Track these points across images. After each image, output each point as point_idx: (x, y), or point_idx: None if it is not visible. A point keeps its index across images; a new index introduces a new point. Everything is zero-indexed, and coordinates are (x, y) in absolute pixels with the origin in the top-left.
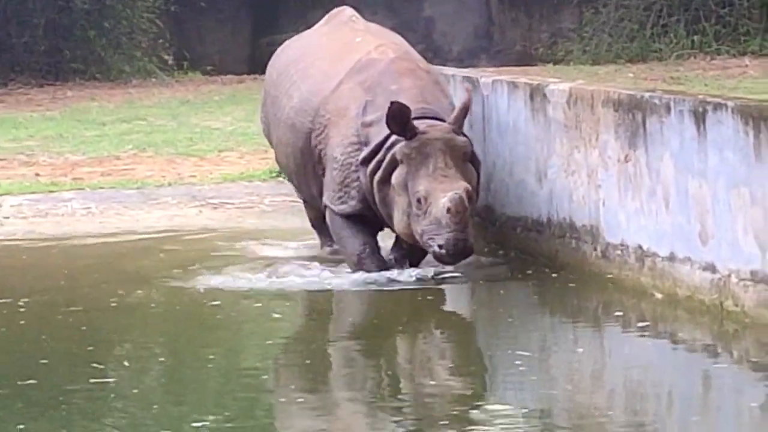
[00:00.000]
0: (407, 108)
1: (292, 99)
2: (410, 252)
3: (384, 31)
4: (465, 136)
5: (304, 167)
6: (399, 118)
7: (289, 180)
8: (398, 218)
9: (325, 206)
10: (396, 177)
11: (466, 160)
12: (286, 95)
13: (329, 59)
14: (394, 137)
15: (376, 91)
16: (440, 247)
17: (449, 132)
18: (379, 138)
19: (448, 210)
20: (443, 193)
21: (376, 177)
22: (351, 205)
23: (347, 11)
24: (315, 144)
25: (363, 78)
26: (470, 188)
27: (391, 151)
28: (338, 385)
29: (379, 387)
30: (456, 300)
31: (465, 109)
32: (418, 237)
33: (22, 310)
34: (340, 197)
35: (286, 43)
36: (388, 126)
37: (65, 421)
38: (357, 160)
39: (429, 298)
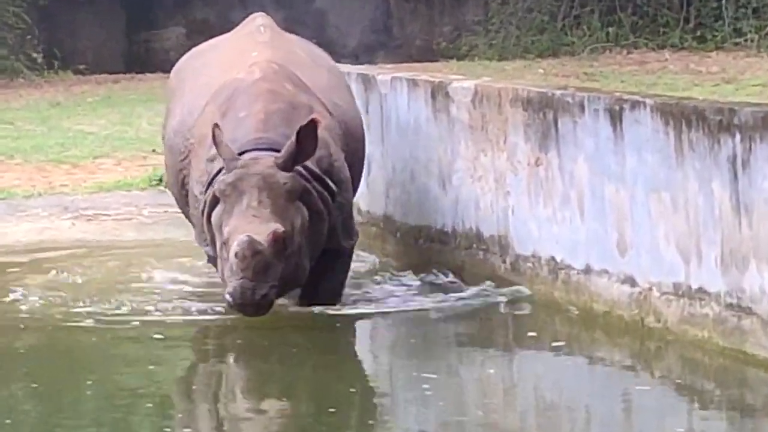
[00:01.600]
0: (219, 130)
1: (175, 117)
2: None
3: (291, 44)
4: (306, 168)
5: (181, 195)
6: (216, 143)
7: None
8: (218, 263)
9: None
10: (214, 215)
11: (291, 199)
12: (172, 113)
13: (216, 75)
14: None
15: (228, 117)
16: (228, 295)
17: (270, 167)
18: (214, 172)
19: (236, 255)
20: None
21: (204, 216)
22: (213, 248)
23: (258, 20)
24: (180, 169)
25: (222, 101)
26: (280, 230)
27: (212, 188)
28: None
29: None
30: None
31: (293, 143)
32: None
33: None
34: (204, 238)
35: (194, 49)
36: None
37: None
38: None
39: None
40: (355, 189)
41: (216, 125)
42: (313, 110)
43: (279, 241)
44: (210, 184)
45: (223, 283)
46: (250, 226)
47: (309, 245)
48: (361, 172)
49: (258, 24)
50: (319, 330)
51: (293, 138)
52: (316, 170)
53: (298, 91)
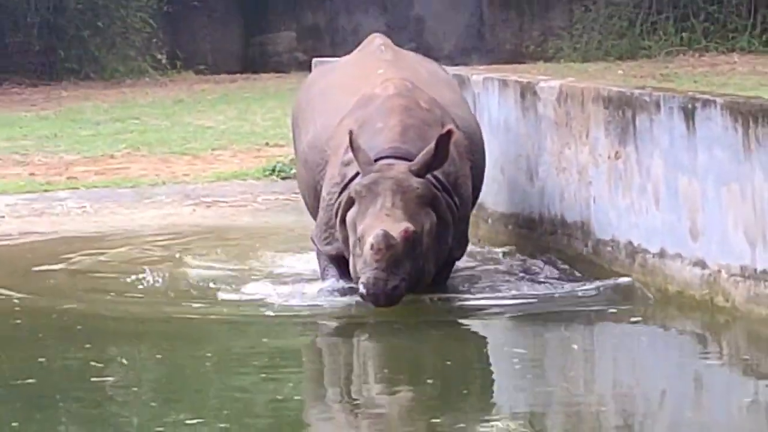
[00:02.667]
0: (355, 137)
1: (308, 134)
2: None
3: (412, 62)
4: (436, 179)
5: (314, 207)
6: (354, 149)
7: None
8: (350, 260)
9: (314, 242)
10: (349, 216)
11: (421, 203)
12: (304, 129)
13: (345, 92)
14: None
15: (364, 128)
16: (362, 285)
17: (404, 172)
18: (349, 176)
19: (371, 247)
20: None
21: (338, 216)
22: (335, 247)
23: (377, 40)
24: (318, 180)
25: (359, 114)
26: (411, 229)
27: (348, 190)
28: None
29: None
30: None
31: (430, 152)
32: (354, 279)
33: (17, 308)
34: (325, 237)
35: (319, 67)
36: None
37: (63, 418)
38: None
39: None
40: (475, 200)
41: (352, 131)
42: (445, 125)
43: (410, 239)
44: (345, 187)
45: (354, 279)
46: (384, 224)
47: (434, 250)
48: (481, 183)
49: (378, 44)
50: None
51: (431, 146)
52: (445, 182)
53: (431, 107)
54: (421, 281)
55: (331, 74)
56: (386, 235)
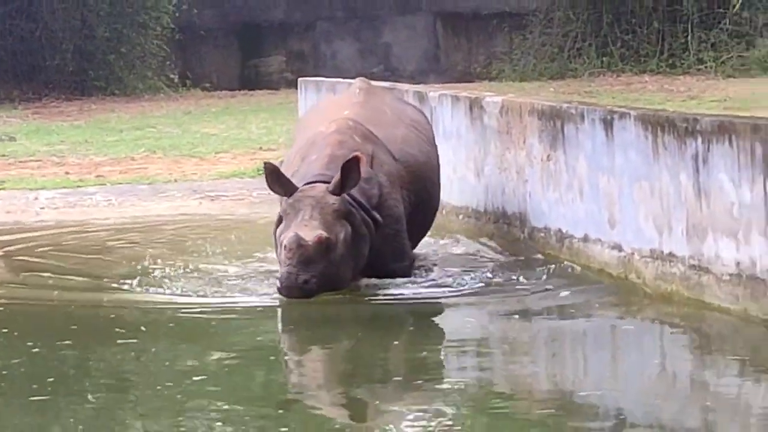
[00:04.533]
0: (275, 168)
1: (287, 161)
2: None
3: (380, 104)
4: (354, 199)
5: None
6: (270, 178)
7: None
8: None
9: None
10: (278, 231)
11: (337, 216)
12: (287, 157)
13: (314, 127)
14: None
15: (305, 159)
16: (278, 280)
17: (323, 191)
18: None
19: (284, 247)
20: None
21: (274, 235)
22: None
23: (357, 83)
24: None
25: (306, 148)
26: (324, 236)
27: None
28: None
29: None
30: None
31: (343, 175)
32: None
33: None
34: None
35: (313, 106)
36: (268, 186)
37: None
38: None
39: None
40: (429, 222)
41: (270, 165)
42: (375, 157)
43: (323, 243)
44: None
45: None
46: (300, 230)
47: (351, 257)
48: (432, 207)
49: (356, 87)
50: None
51: (345, 169)
52: (365, 203)
53: (364, 142)
54: (339, 282)
55: (315, 109)
56: (297, 237)
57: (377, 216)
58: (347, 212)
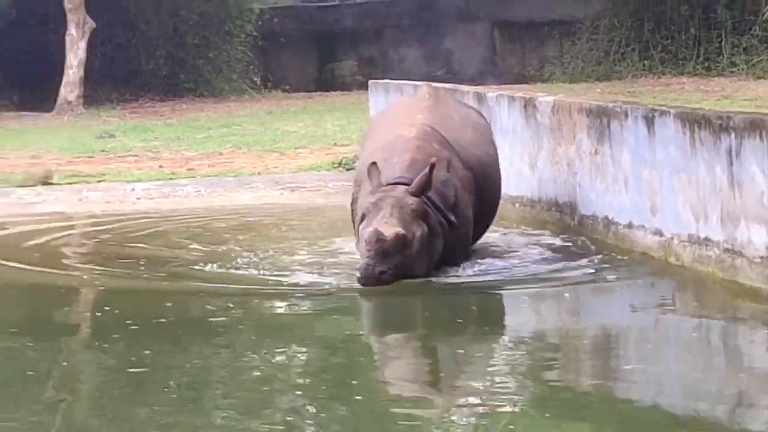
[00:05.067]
0: (376, 169)
1: (362, 155)
2: None
3: (448, 108)
4: (431, 200)
5: (353, 214)
6: (374, 181)
7: None
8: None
9: None
10: (360, 227)
11: (414, 216)
12: (360, 156)
13: (388, 130)
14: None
15: (387, 162)
16: (357, 270)
17: (403, 193)
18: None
19: (365, 241)
20: None
21: (356, 229)
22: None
23: (425, 88)
24: (354, 192)
25: (387, 151)
26: (402, 233)
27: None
28: None
29: None
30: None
31: (422, 178)
32: None
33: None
34: (357, 242)
35: (384, 108)
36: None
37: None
38: None
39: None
40: (490, 220)
41: (373, 164)
42: (451, 162)
43: (400, 239)
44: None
45: None
46: (380, 226)
47: (425, 253)
48: (494, 207)
49: (424, 92)
50: None
51: (424, 173)
52: (440, 205)
53: (441, 147)
54: (412, 276)
55: (387, 112)
56: (376, 231)
57: (452, 217)
58: (424, 212)
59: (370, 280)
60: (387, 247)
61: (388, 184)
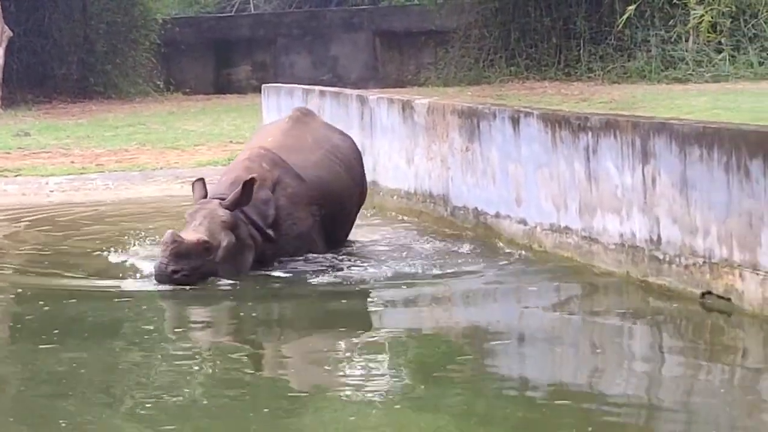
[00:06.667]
0: (197, 181)
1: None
2: None
3: (304, 131)
4: (247, 215)
5: None
6: (197, 194)
7: None
8: None
9: None
10: None
11: (224, 227)
12: None
13: (245, 150)
14: None
15: (220, 180)
16: (153, 268)
17: (216, 206)
18: None
19: (162, 242)
20: None
21: None
22: None
23: (292, 112)
24: None
25: (225, 171)
26: (203, 239)
27: None
28: None
29: None
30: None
31: (236, 194)
32: None
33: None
34: None
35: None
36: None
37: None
38: None
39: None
40: (348, 221)
41: (199, 180)
42: (281, 182)
43: (200, 245)
44: None
45: None
46: (183, 232)
47: (233, 260)
48: (345, 222)
49: (288, 116)
50: None
51: (238, 189)
52: (258, 222)
53: (272, 168)
54: (218, 277)
55: (255, 134)
56: (173, 234)
57: (270, 232)
58: (234, 224)
59: (163, 278)
60: (182, 249)
61: (213, 198)
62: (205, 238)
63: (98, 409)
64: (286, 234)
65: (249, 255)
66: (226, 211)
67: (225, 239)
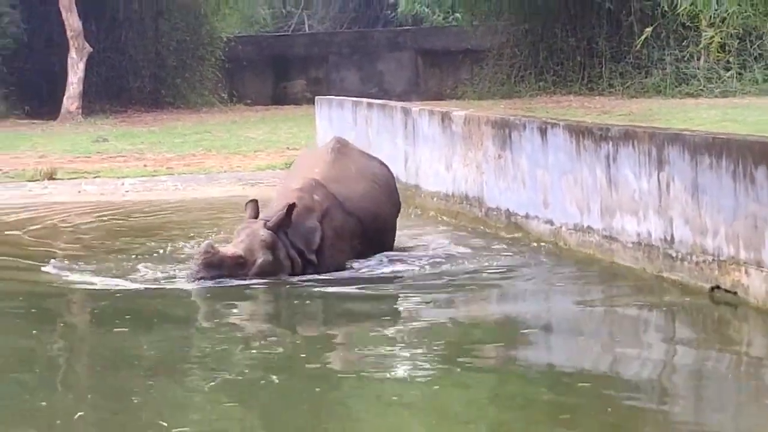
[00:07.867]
0: (253, 205)
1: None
2: None
3: (348, 162)
4: (291, 240)
5: None
6: (248, 214)
7: None
8: None
9: None
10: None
11: (263, 246)
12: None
13: (289, 181)
14: None
15: (271, 207)
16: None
17: (260, 228)
18: None
19: (198, 250)
20: None
21: None
22: None
23: (332, 143)
24: None
25: (277, 199)
26: (238, 254)
27: None
28: None
29: None
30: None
31: (279, 216)
32: None
33: (137, 246)
34: None
35: (300, 156)
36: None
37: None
38: None
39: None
40: (390, 247)
41: (252, 201)
42: (329, 214)
43: (234, 259)
44: None
45: None
46: (223, 246)
47: (266, 276)
48: (386, 241)
49: (329, 146)
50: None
51: (281, 212)
52: (301, 246)
53: (321, 199)
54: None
55: (298, 162)
56: (207, 245)
57: (312, 257)
58: (273, 244)
59: (193, 282)
60: (214, 260)
61: (261, 219)
62: (240, 253)
63: (164, 385)
64: (327, 262)
65: (282, 275)
66: (268, 231)
67: (262, 257)
